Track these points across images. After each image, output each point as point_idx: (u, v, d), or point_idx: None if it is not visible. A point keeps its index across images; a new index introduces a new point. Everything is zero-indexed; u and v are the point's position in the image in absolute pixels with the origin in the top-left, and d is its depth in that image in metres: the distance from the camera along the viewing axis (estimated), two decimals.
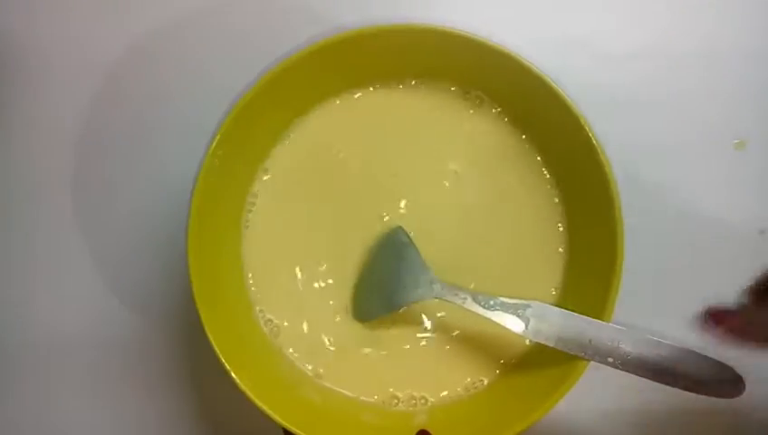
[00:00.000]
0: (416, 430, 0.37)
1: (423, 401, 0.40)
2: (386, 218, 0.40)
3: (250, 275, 0.40)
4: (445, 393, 0.40)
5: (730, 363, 0.35)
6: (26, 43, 0.44)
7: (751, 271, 0.43)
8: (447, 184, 0.41)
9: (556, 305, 0.37)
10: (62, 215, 0.43)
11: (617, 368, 0.35)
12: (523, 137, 0.41)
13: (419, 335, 0.40)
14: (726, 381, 0.35)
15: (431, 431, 0.38)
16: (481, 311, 0.37)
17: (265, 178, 0.41)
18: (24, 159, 0.43)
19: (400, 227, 0.40)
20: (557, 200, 0.40)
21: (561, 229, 0.40)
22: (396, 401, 0.40)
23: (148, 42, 0.43)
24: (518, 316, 0.37)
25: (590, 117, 0.37)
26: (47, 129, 0.43)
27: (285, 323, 0.40)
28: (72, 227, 0.43)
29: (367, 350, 0.40)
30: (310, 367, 0.40)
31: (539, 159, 0.40)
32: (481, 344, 0.40)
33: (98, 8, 0.44)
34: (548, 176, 0.40)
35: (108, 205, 0.43)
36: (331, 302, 0.40)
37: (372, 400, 0.40)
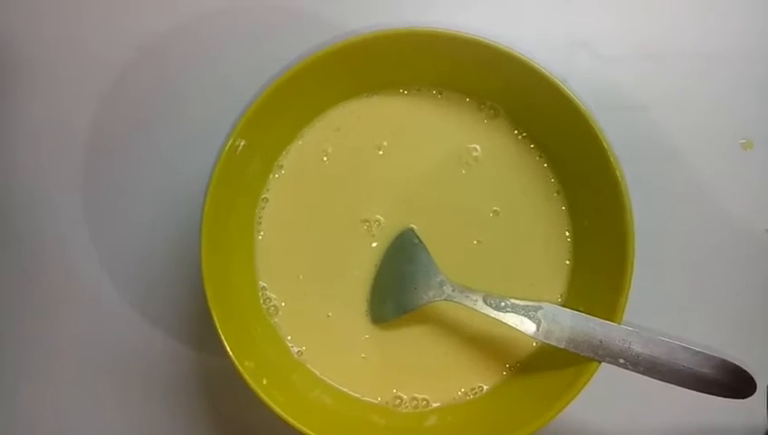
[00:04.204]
0: (427, 432, 0.37)
1: (425, 403, 0.40)
2: (397, 221, 0.40)
3: (263, 279, 0.40)
4: (449, 395, 0.40)
5: (741, 364, 0.35)
6: (35, 44, 0.43)
7: (758, 270, 0.43)
8: (457, 190, 0.41)
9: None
10: (73, 218, 0.43)
11: (628, 369, 0.36)
12: (532, 146, 0.41)
13: (424, 337, 0.40)
14: (737, 382, 0.35)
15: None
16: (492, 313, 0.37)
17: (278, 176, 0.41)
18: (32, 163, 0.43)
19: (411, 229, 0.40)
20: (564, 208, 0.41)
21: (567, 235, 0.41)
22: (399, 401, 0.40)
23: (159, 44, 0.43)
24: (529, 318, 0.37)
25: (597, 119, 0.37)
26: (56, 131, 0.43)
27: (296, 326, 0.40)
28: (81, 228, 0.43)
29: (373, 350, 0.40)
30: (319, 369, 0.40)
31: (546, 166, 0.41)
32: (487, 347, 0.40)
33: (107, 11, 0.43)
34: (555, 184, 0.41)
35: (118, 208, 0.43)
36: (341, 303, 0.40)
37: (376, 401, 0.40)
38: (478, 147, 0.41)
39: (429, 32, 0.37)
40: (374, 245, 0.40)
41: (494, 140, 0.41)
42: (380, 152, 0.41)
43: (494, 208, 0.41)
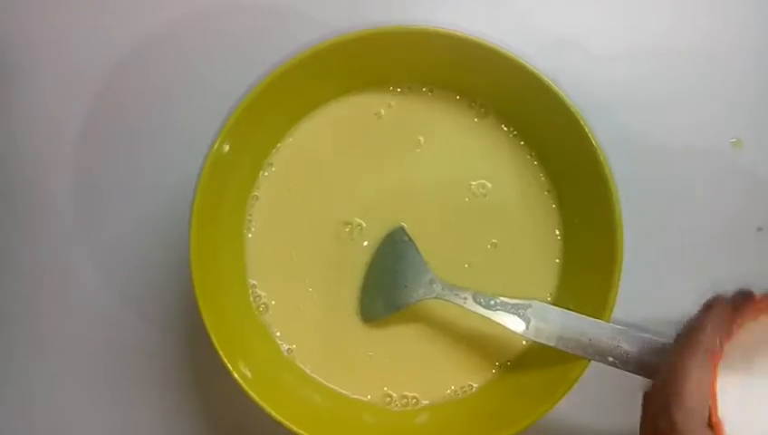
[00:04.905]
0: (418, 430, 0.37)
1: (415, 401, 0.40)
2: (387, 219, 0.40)
3: (253, 277, 0.40)
4: (439, 394, 0.40)
5: None
6: (26, 46, 0.43)
7: (750, 268, 0.43)
8: (447, 189, 0.41)
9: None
10: (64, 218, 0.43)
11: (617, 367, 0.36)
12: (522, 143, 0.41)
13: (415, 335, 0.40)
14: None
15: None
16: (482, 311, 0.37)
17: (267, 174, 0.41)
18: (24, 164, 0.43)
19: (402, 227, 0.40)
20: (554, 206, 0.41)
21: (557, 233, 0.41)
22: (389, 399, 0.40)
23: (148, 45, 0.43)
24: (519, 316, 0.37)
25: (586, 117, 0.37)
26: (47, 133, 0.43)
27: (286, 324, 0.40)
28: (73, 228, 0.43)
29: (363, 348, 0.40)
30: (309, 367, 0.40)
31: (536, 164, 0.41)
32: (477, 345, 0.40)
33: (96, 12, 0.43)
34: (545, 182, 0.41)
35: (109, 208, 0.43)
36: (332, 301, 0.40)
37: (366, 399, 0.40)
38: (470, 147, 0.41)
39: (419, 30, 0.37)
40: (364, 244, 0.40)
41: (484, 138, 0.41)
42: (370, 150, 0.41)
43: (485, 208, 0.41)
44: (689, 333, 0.30)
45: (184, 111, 0.43)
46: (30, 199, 0.43)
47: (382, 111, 0.41)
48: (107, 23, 0.43)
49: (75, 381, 0.43)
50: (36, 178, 0.43)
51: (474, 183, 0.41)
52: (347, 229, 0.40)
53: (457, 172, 0.41)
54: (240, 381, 0.36)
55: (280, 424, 0.36)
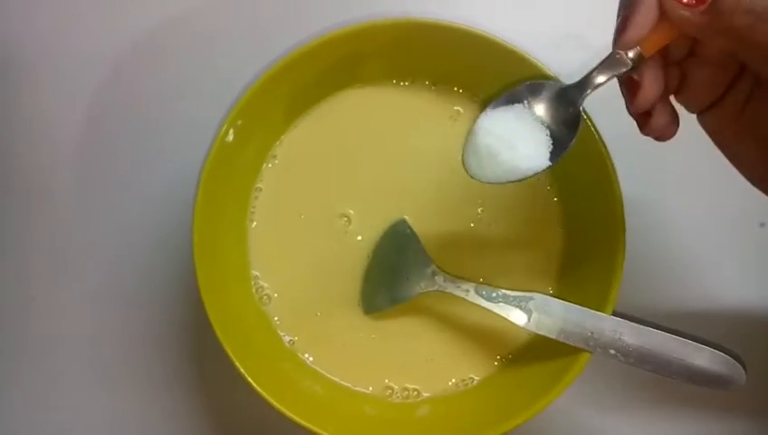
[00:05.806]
0: (418, 422, 0.37)
1: (416, 393, 0.40)
2: (389, 213, 0.40)
3: (256, 268, 0.41)
4: (440, 386, 0.40)
5: (731, 356, 0.35)
6: (31, 38, 0.44)
7: (752, 263, 0.43)
8: (448, 182, 0.41)
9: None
10: (66, 209, 0.43)
11: (618, 360, 0.36)
12: None
13: (416, 327, 0.40)
14: (728, 373, 0.35)
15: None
16: (483, 303, 0.37)
17: (271, 166, 0.41)
18: (27, 154, 0.43)
19: (404, 219, 0.40)
20: (556, 199, 0.41)
21: (559, 226, 0.41)
22: (390, 391, 0.40)
23: (154, 37, 0.43)
24: (520, 308, 0.37)
25: (589, 111, 0.37)
26: (51, 123, 0.43)
27: (288, 315, 0.40)
28: (76, 222, 0.43)
29: (364, 340, 0.40)
30: (311, 358, 0.40)
31: None
32: (479, 338, 0.40)
33: (101, 5, 0.44)
34: (548, 176, 0.41)
35: (112, 200, 0.43)
36: (334, 293, 0.40)
37: (367, 391, 0.40)
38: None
39: (423, 22, 0.37)
40: (366, 237, 0.40)
41: None
42: (374, 143, 0.41)
43: (486, 200, 0.41)
44: None
45: (189, 104, 0.43)
46: (32, 191, 0.43)
47: (385, 105, 0.41)
48: (110, 16, 0.44)
49: (76, 379, 0.43)
50: (39, 170, 0.43)
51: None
52: (350, 222, 0.41)
53: (458, 165, 0.41)
54: (242, 370, 0.36)
55: (281, 414, 0.36)
